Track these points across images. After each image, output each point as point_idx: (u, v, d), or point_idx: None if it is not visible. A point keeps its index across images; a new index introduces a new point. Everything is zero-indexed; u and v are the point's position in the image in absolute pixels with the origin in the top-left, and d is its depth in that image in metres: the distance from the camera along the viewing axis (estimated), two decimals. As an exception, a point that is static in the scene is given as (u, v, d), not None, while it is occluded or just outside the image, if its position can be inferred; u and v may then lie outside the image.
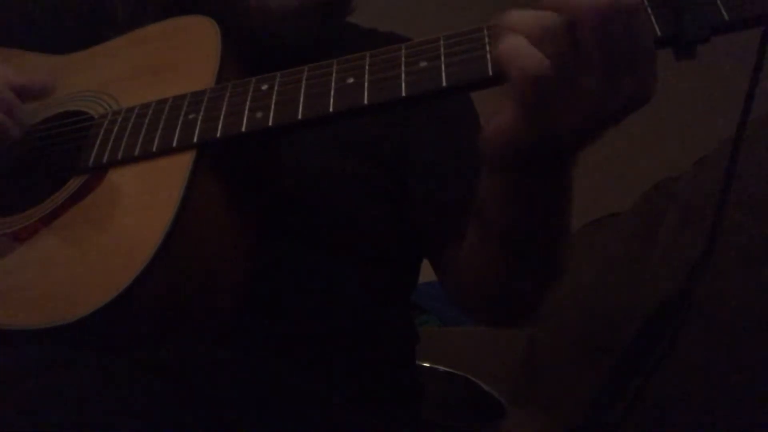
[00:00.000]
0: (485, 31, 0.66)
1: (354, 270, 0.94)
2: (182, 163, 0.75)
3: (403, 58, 0.69)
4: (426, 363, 1.41)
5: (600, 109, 0.62)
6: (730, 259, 1.00)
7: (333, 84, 0.72)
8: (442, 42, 0.68)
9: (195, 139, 0.76)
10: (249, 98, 0.75)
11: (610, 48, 0.59)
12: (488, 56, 0.65)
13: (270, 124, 0.73)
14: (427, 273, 1.01)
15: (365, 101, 0.69)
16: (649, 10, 0.61)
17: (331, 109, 0.71)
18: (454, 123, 0.99)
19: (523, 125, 0.64)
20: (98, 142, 0.81)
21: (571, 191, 0.73)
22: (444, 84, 0.66)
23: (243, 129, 0.74)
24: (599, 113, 0.62)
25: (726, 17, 0.58)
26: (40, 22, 1.06)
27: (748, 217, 1.00)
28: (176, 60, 0.87)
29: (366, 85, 0.70)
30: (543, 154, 0.66)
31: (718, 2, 0.59)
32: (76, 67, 0.95)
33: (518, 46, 0.61)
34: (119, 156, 0.79)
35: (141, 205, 0.76)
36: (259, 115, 0.74)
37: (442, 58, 0.67)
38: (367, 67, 0.71)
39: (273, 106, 0.74)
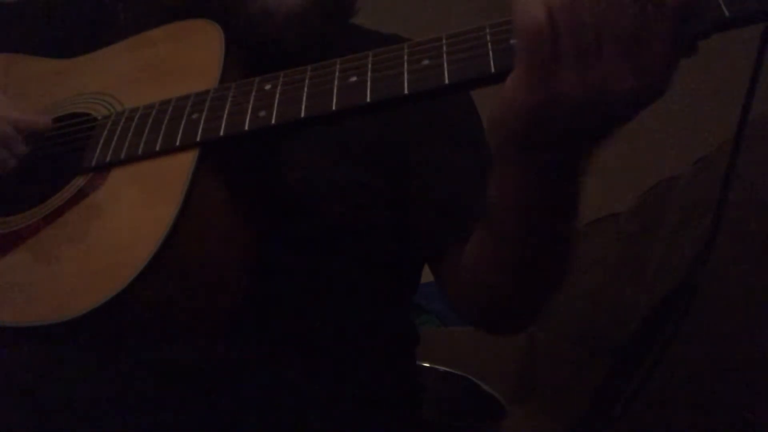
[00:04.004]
0: (487, 29, 0.66)
1: (355, 273, 0.93)
2: (185, 162, 0.75)
3: (405, 57, 0.69)
4: (426, 363, 1.41)
5: (604, 91, 0.60)
6: (731, 258, 1.00)
7: (336, 82, 0.72)
8: (444, 41, 0.68)
9: (198, 138, 0.76)
10: (252, 97, 0.76)
11: (623, 29, 0.58)
12: (490, 54, 0.65)
13: (273, 122, 0.73)
14: (428, 273, 1.01)
15: (368, 99, 0.70)
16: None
17: (333, 108, 0.71)
18: (456, 125, 0.99)
19: (525, 85, 0.62)
20: (101, 142, 0.81)
21: (579, 199, 0.72)
22: (446, 81, 0.66)
23: (246, 128, 0.74)
24: (603, 97, 0.60)
25: (726, 13, 0.58)
26: (43, 28, 1.06)
27: (748, 216, 1.01)
28: (179, 62, 0.88)
29: (369, 83, 0.70)
30: (549, 140, 0.65)
31: None
32: (80, 70, 0.95)
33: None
34: (122, 155, 0.79)
35: (143, 203, 0.76)
36: (262, 113, 0.74)
37: (445, 57, 0.67)
38: (369, 66, 0.71)
39: (276, 105, 0.74)
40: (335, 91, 0.71)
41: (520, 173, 0.69)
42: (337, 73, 0.72)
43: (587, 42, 0.59)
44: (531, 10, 0.60)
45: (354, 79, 0.71)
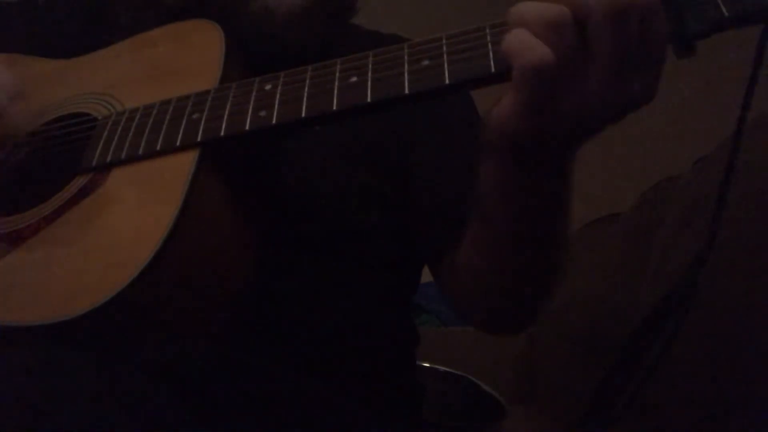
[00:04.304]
0: (487, 30, 0.66)
1: (355, 273, 0.94)
2: (185, 162, 0.75)
3: (405, 57, 0.69)
4: (426, 363, 1.42)
5: (603, 107, 0.61)
6: (730, 257, 1.00)
7: (336, 82, 0.72)
8: (444, 41, 0.68)
9: (199, 138, 0.76)
10: (253, 97, 0.76)
11: (620, 47, 0.59)
12: (491, 54, 0.65)
13: (273, 122, 0.73)
14: (428, 273, 1.02)
15: (368, 99, 0.70)
16: None
17: (334, 108, 0.71)
18: (456, 126, 0.99)
19: (522, 114, 0.63)
20: (102, 141, 0.81)
21: (570, 188, 0.73)
22: (447, 82, 0.67)
23: (247, 128, 0.74)
24: (601, 111, 0.62)
25: (725, 13, 0.59)
26: (44, 28, 1.06)
27: (747, 216, 1.01)
28: (180, 63, 0.88)
29: (369, 83, 0.70)
30: (540, 146, 0.66)
31: None
32: (80, 70, 0.95)
33: (521, 39, 0.60)
34: (123, 155, 0.79)
35: (144, 203, 0.76)
36: (262, 113, 0.74)
37: (445, 57, 0.67)
38: (370, 66, 0.71)
39: (276, 105, 0.74)
40: (336, 91, 0.72)
41: (504, 166, 0.70)
42: (337, 73, 0.72)
43: (589, 68, 0.60)
44: (534, 50, 0.60)
45: (354, 79, 0.71)
